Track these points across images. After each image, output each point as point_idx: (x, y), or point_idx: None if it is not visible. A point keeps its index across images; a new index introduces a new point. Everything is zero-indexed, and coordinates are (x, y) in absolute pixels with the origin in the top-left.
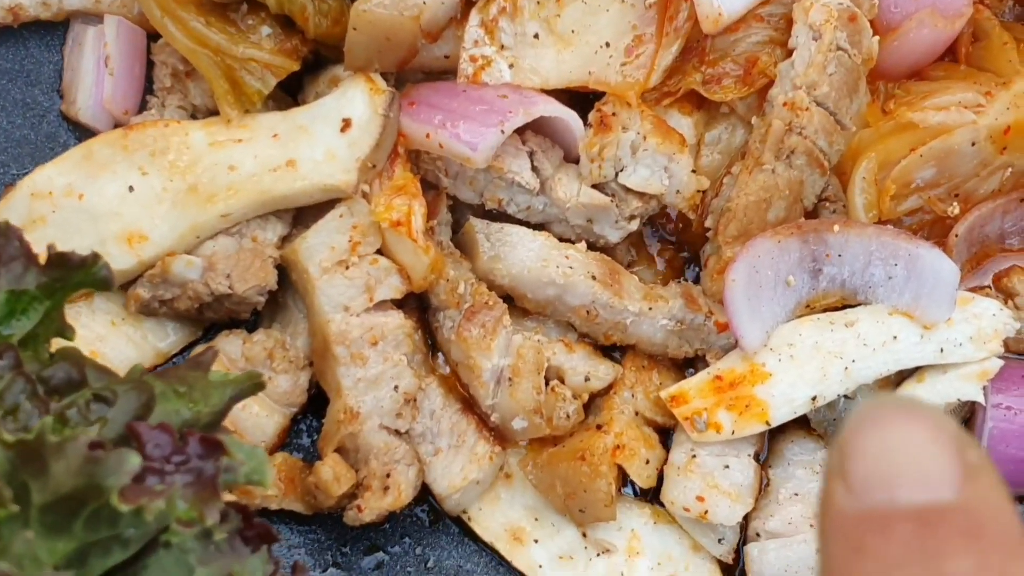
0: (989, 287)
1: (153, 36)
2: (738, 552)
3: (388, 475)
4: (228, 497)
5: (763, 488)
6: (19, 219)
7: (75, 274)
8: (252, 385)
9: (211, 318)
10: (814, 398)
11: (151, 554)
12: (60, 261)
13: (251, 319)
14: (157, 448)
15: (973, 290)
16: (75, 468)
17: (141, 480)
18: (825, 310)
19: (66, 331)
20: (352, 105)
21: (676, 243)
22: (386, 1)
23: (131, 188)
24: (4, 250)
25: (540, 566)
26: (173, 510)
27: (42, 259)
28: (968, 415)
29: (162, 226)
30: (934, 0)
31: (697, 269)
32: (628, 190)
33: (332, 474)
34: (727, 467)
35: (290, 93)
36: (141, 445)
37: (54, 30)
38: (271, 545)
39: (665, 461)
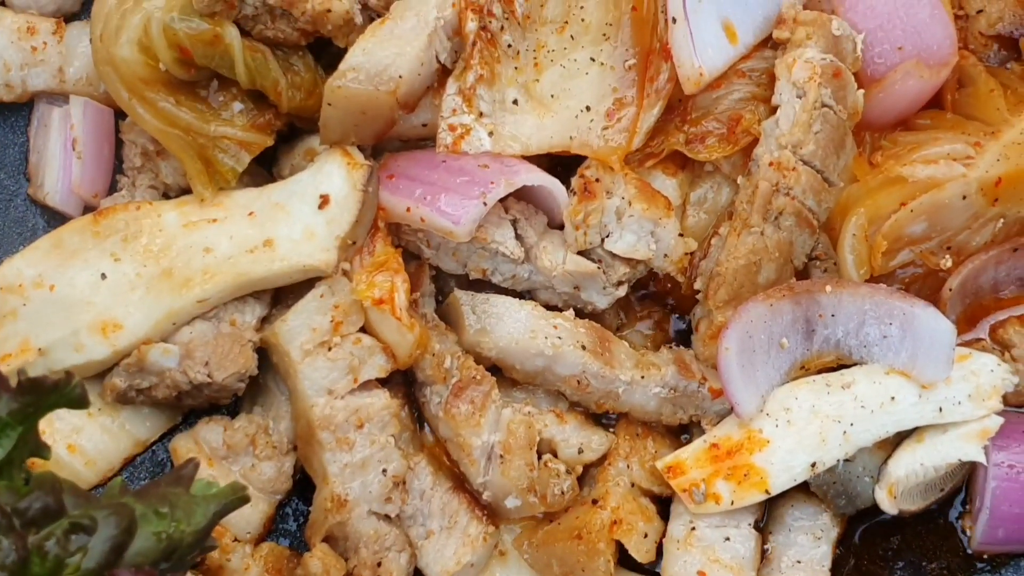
0: (985, 340)
1: (121, 114)
2: None
3: (379, 564)
4: None
5: (764, 556)
6: None
7: (49, 397)
8: (236, 500)
9: (190, 405)
10: (813, 464)
11: None
12: (33, 386)
13: (232, 402)
14: None
15: (969, 343)
16: None
17: None
18: (821, 371)
19: (42, 450)
20: (329, 181)
21: (664, 304)
22: (361, 76)
23: (103, 275)
24: None
25: None
26: None
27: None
28: (969, 474)
29: (136, 314)
30: (918, 49)
31: (681, 320)
32: (615, 256)
33: (321, 566)
34: (727, 539)
35: (265, 166)
36: None
37: (18, 111)
38: None
39: (663, 533)
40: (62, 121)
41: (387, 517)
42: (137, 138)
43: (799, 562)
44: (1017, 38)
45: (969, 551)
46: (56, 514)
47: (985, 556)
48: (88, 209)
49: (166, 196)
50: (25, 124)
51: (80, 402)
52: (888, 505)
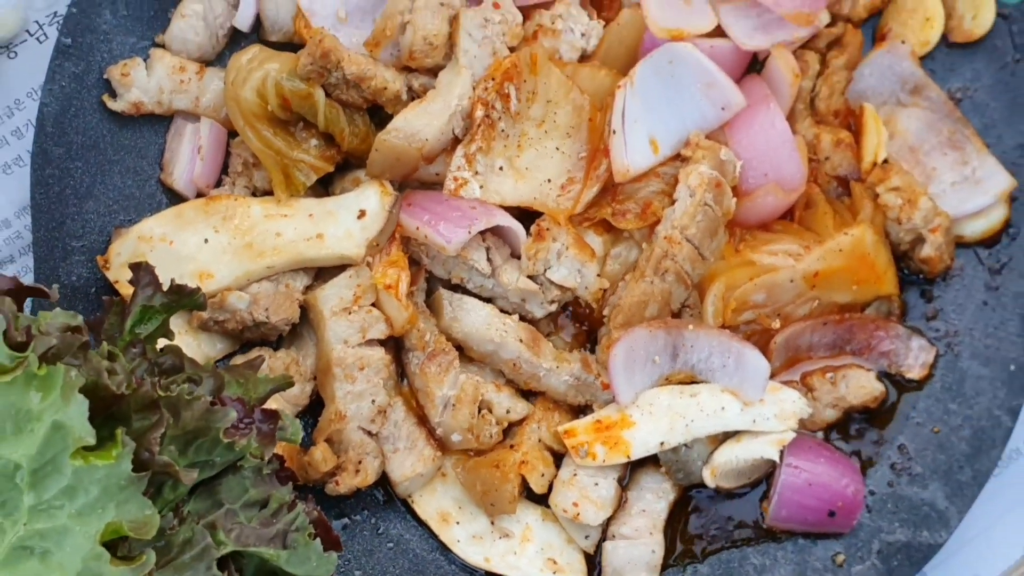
0: (796, 381)
1: (233, 134)
2: (598, 547)
3: (360, 462)
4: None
5: (621, 504)
6: (128, 254)
7: (185, 299)
8: (286, 383)
9: (248, 338)
10: (662, 443)
11: (226, 475)
12: (177, 289)
13: (276, 342)
14: (237, 412)
15: (785, 382)
16: (198, 415)
17: (234, 428)
18: (679, 383)
19: (169, 334)
20: (368, 201)
21: (581, 321)
22: (400, 135)
23: (206, 240)
24: (142, 279)
25: (458, 541)
26: (249, 447)
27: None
28: (771, 470)
29: (224, 270)
30: (779, 177)
31: (591, 334)
32: (552, 283)
33: (321, 456)
34: (597, 484)
35: (324, 185)
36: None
37: (162, 121)
38: (291, 484)
39: (555, 476)
40: (192, 133)
41: (370, 433)
42: (242, 152)
43: (644, 511)
44: (850, 180)
45: (764, 525)
46: (179, 369)
47: (775, 530)
48: (200, 195)
49: (254, 195)
50: (165, 130)
51: (202, 307)
52: (710, 481)
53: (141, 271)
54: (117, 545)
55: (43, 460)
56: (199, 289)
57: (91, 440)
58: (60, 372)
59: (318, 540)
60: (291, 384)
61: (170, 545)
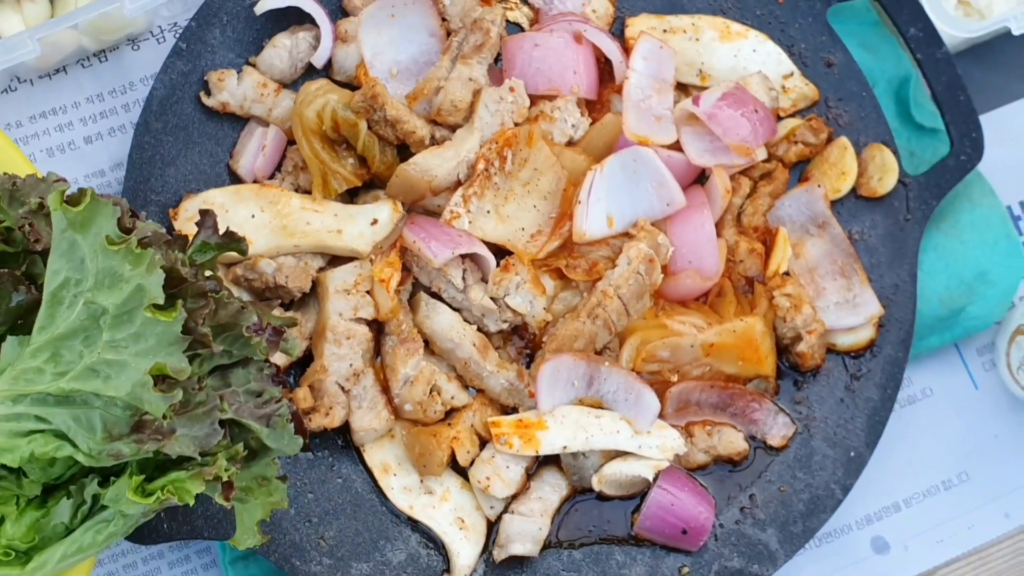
0: (681, 426)
1: (290, 142)
2: (499, 518)
3: (331, 408)
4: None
5: (524, 489)
6: (193, 211)
7: (233, 244)
8: (291, 322)
9: (267, 297)
10: (565, 447)
11: (237, 367)
12: (228, 234)
13: (287, 304)
14: (257, 319)
15: (672, 425)
16: (231, 313)
17: (252, 328)
18: (589, 405)
19: (216, 268)
20: (382, 213)
21: (524, 342)
22: (417, 169)
23: (253, 216)
24: (206, 222)
25: (392, 488)
26: (260, 346)
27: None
28: (645, 488)
29: (261, 241)
30: (699, 266)
31: (530, 361)
32: (508, 307)
33: (302, 396)
34: (508, 467)
35: (350, 195)
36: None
37: (239, 120)
38: (281, 387)
39: (478, 455)
40: (261, 134)
41: (343, 388)
42: (295, 157)
43: (540, 498)
44: (755, 281)
45: (631, 532)
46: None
47: (639, 536)
48: (255, 182)
49: (297, 191)
50: (240, 128)
51: (243, 252)
52: (597, 486)
53: (207, 216)
54: (157, 382)
55: (123, 310)
56: (244, 238)
57: (160, 300)
58: (149, 252)
59: (292, 425)
60: (295, 323)
61: (189, 400)
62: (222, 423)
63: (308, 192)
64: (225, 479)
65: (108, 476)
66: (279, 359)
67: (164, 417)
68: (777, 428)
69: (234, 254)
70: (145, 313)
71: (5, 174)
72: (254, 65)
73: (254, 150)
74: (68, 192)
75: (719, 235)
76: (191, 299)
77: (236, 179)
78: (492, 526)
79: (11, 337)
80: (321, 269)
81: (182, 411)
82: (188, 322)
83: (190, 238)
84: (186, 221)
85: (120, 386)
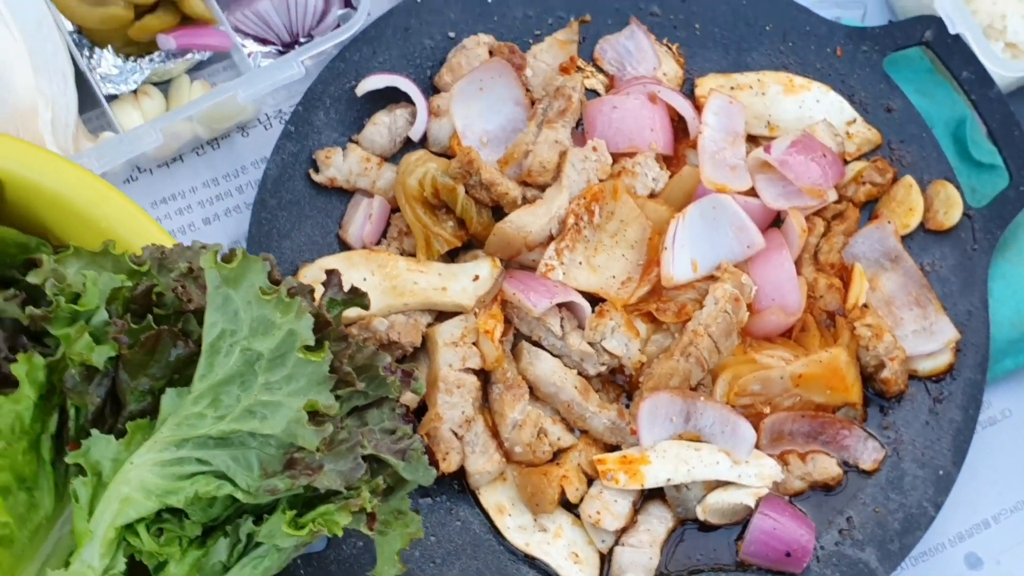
0: (776, 454)
1: (394, 210)
2: (610, 550)
3: (447, 454)
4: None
5: (632, 523)
6: (310, 279)
7: (356, 299)
8: (411, 369)
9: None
10: (668, 480)
11: (374, 407)
12: (353, 290)
13: (400, 359)
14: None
15: (770, 454)
16: (368, 356)
17: (387, 369)
18: (688, 439)
19: (342, 324)
20: (482, 269)
21: (622, 383)
22: (513, 227)
23: (364, 279)
24: (331, 281)
25: (508, 528)
26: (395, 384)
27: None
28: (748, 515)
29: (373, 302)
30: (782, 303)
31: (629, 400)
32: (605, 350)
33: (427, 439)
34: (616, 501)
35: (451, 256)
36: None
37: (346, 193)
38: (412, 425)
39: (586, 491)
40: (367, 205)
41: (457, 435)
42: (399, 223)
43: (648, 530)
44: (836, 315)
45: (737, 558)
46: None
47: (744, 562)
48: (364, 248)
49: (402, 254)
50: (347, 200)
51: (365, 307)
52: (701, 516)
53: (332, 275)
54: (308, 419)
55: (276, 354)
56: (367, 294)
57: (311, 342)
58: (298, 300)
59: (425, 457)
60: (414, 371)
61: (334, 438)
62: (363, 459)
63: (413, 255)
64: (369, 510)
65: (260, 515)
66: (408, 399)
67: (317, 450)
68: (868, 453)
69: (351, 315)
70: (297, 355)
71: (153, 245)
72: (357, 142)
73: (361, 219)
74: (220, 253)
75: (799, 273)
76: (333, 343)
77: (346, 247)
78: (604, 559)
79: (170, 389)
80: (429, 324)
81: (328, 448)
82: (333, 362)
83: (317, 298)
84: None
85: (276, 424)
